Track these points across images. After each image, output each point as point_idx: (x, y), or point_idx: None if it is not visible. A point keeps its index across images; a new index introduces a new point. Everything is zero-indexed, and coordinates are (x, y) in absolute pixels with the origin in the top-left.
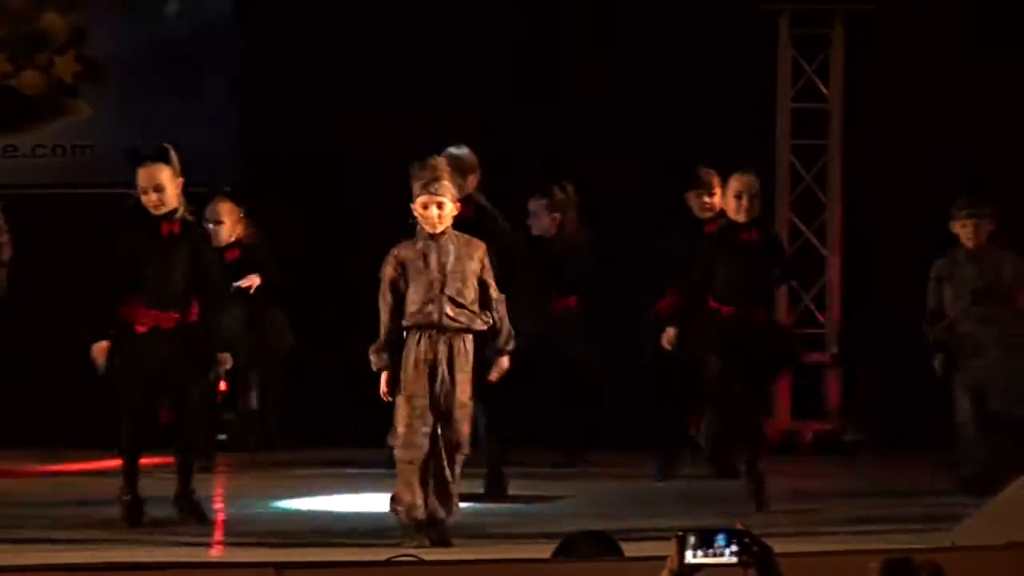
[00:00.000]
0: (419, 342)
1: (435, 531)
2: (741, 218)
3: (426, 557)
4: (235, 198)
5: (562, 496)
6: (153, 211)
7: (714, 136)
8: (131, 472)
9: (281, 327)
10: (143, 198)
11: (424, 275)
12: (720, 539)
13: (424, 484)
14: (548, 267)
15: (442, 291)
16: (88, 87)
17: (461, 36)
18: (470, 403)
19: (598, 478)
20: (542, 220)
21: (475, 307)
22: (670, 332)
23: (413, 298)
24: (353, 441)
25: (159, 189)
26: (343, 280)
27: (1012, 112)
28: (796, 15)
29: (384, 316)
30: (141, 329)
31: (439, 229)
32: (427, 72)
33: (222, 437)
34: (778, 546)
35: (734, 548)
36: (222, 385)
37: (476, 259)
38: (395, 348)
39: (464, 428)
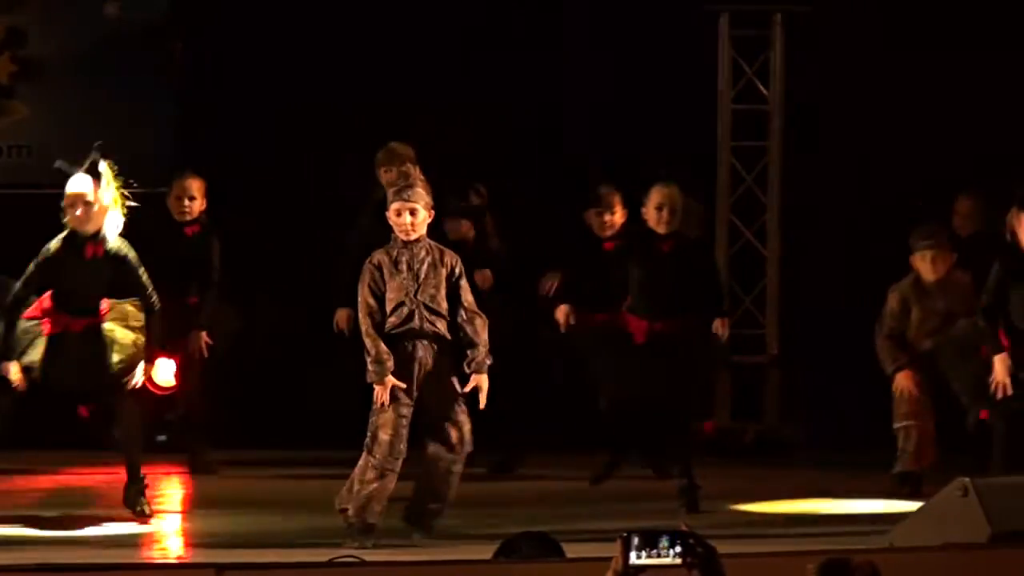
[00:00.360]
0: (402, 349)
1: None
2: (661, 230)
3: (367, 558)
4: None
5: (503, 497)
6: (79, 227)
7: (654, 137)
8: None
9: (227, 323)
10: (68, 212)
11: (397, 280)
12: (664, 540)
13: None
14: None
15: (416, 296)
16: (24, 87)
17: (400, 34)
18: (463, 400)
19: (539, 479)
20: (459, 225)
21: (447, 316)
22: (563, 308)
23: (389, 304)
24: (297, 441)
25: (87, 203)
26: (283, 277)
27: (950, 111)
28: (735, 16)
29: (370, 328)
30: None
31: (412, 236)
32: (367, 71)
33: (162, 438)
34: (720, 547)
35: (678, 549)
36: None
37: (449, 269)
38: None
39: (466, 424)
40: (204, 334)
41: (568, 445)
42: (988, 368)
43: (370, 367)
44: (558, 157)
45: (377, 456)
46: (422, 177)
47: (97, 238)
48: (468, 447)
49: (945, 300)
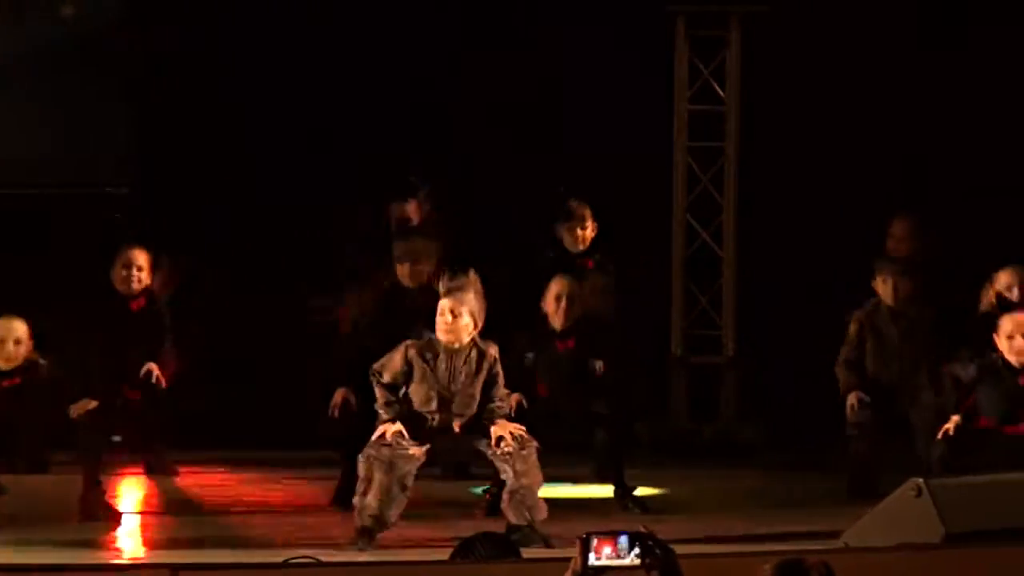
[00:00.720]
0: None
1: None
2: (558, 324)
3: (323, 559)
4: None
5: (460, 498)
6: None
7: (610, 138)
8: None
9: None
10: None
11: (429, 386)
12: (623, 541)
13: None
14: None
15: (446, 409)
16: None
17: (353, 37)
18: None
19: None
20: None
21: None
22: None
23: (414, 402)
24: (256, 443)
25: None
26: (248, 279)
27: (905, 111)
28: (692, 17)
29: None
30: None
31: (449, 339)
32: (320, 69)
33: (117, 439)
34: (678, 548)
35: (637, 550)
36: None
37: (488, 370)
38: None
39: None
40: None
41: None
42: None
43: (380, 411)
44: (513, 156)
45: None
46: (479, 287)
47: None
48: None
49: (901, 328)
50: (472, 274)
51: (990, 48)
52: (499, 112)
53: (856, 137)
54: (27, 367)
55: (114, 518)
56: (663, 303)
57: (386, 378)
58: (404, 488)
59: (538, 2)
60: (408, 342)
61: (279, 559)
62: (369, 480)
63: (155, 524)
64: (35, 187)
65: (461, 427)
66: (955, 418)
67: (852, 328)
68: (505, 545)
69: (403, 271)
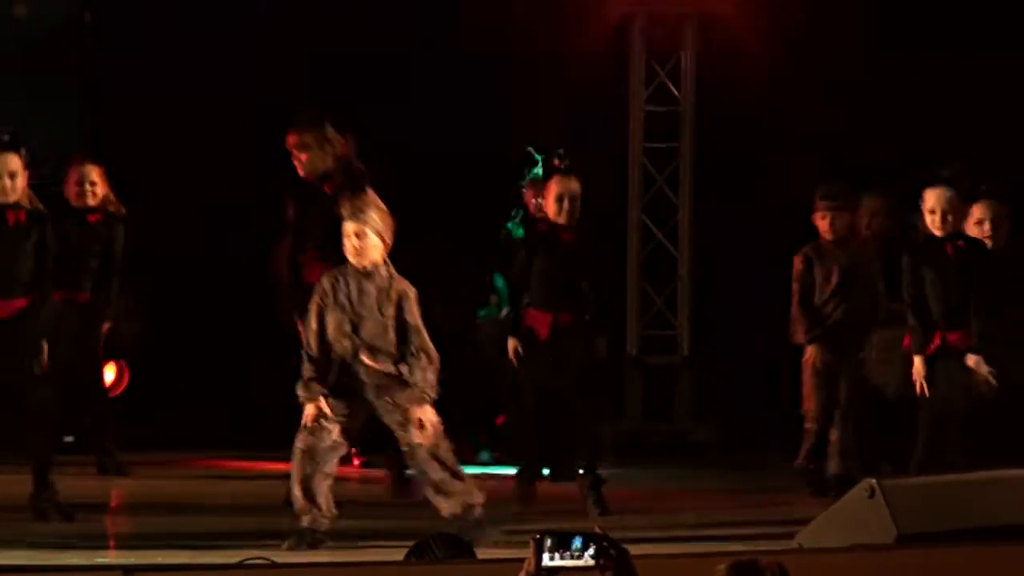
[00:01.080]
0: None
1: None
2: (562, 221)
3: (278, 560)
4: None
5: (415, 498)
6: (1, 198)
7: (568, 140)
8: None
9: (130, 323)
10: None
11: (341, 314)
12: (577, 542)
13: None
14: None
15: (357, 335)
16: None
17: (306, 34)
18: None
19: None
20: None
21: (394, 352)
22: (510, 344)
23: (331, 336)
24: (211, 443)
25: (12, 176)
26: (198, 276)
27: (858, 111)
28: (648, 18)
29: (310, 349)
30: None
31: (360, 262)
32: (275, 69)
33: (69, 439)
34: (632, 548)
35: (591, 551)
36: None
37: (395, 306)
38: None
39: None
40: (107, 326)
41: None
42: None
43: (299, 390)
44: (465, 154)
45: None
46: (381, 205)
47: (19, 207)
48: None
49: (843, 261)
50: (370, 192)
51: (943, 49)
52: (451, 112)
53: (809, 137)
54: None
55: (66, 518)
56: (618, 303)
57: (313, 346)
58: (328, 476)
59: (502, 4)
60: (321, 278)
61: (234, 560)
62: (298, 475)
63: (108, 524)
64: None
65: (376, 367)
66: (918, 366)
67: (797, 263)
68: (460, 545)
69: None
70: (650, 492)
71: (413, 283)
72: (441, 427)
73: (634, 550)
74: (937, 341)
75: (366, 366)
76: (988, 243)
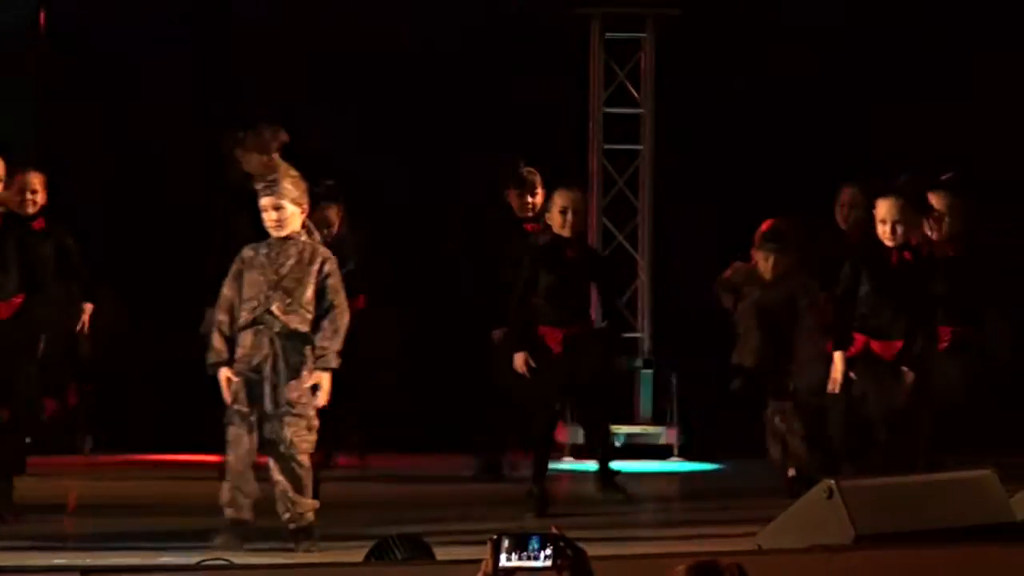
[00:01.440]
0: (252, 343)
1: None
2: (566, 233)
3: (236, 561)
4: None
5: (373, 498)
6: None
7: (526, 140)
8: None
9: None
10: None
11: (255, 275)
12: (534, 542)
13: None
14: None
15: (272, 292)
16: None
17: (260, 33)
18: (305, 403)
19: (409, 481)
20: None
21: (309, 312)
22: (519, 358)
23: (245, 300)
24: (169, 442)
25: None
26: (156, 279)
27: (823, 110)
28: (607, 19)
29: (220, 321)
30: None
31: (282, 233)
32: (229, 71)
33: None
34: (590, 549)
35: (548, 552)
36: None
37: (319, 267)
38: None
39: (290, 427)
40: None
41: (433, 446)
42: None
43: (207, 358)
44: (428, 157)
45: (228, 454)
46: (292, 172)
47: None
48: (297, 452)
49: (769, 295)
50: (282, 164)
51: (898, 53)
52: (415, 110)
53: (772, 136)
54: None
55: (21, 519)
56: None
57: (223, 317)
58: (252, 465)
59: (456, 4)
60: (243, 249)
61: (192, 560)
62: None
63: (65, 525)
64: None
65: (284, 320)
66: (838, 362)
67: (729, 271)
68: (419, 546)
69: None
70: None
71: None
72: (315, 427)
73: (592, 550)
74: (860, 346)
75: (275, 319)
76: (934, 235)
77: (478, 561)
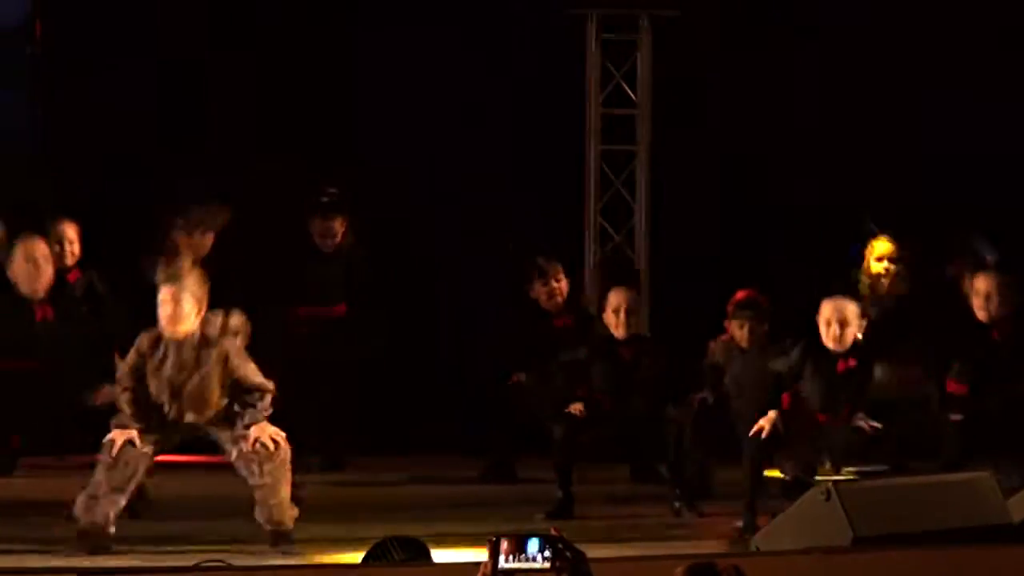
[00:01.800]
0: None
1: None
2: (620, 334)
3: (235, 563)
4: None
5: (370, 501)
6: None
7: (523, 142)
8: None
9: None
10: None
11: (159, 376)
12: (533, 544)
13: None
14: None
15: (177, 395)
16: None
17: (248, 44)
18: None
19: (409, 483)
20: (333, 225)
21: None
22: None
23: (152, 392)
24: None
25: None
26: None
27: (820, 112)
28: (603, 20)
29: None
30: None
31: (180, 330)
32: (225, 82)
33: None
34: (589, 551)
35: (547, 553)
36: None
37: (219, 360)
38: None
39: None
40: None
41: (432, 449)
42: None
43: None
44: (430, 165)
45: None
46: (196, 270)
47: None
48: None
49: (746, 365)
50: (187, 261)
51: (900, 52)
52: (408, 117)
53: (766, 138)
54: None
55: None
56: None
57: (126, 401)
58: (122, 490)
59: (457, 8)
60: (143, 334)
61: (190, 563)
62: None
63: (61, 527)
64: None
65: (209, 423)
66: (772, 414)
67: (710, 346)
68: (418, 548)
69: None
70: (609, 496)
71: None
72: (282, 437)
73: (591, 553)
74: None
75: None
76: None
77: (477, 563)
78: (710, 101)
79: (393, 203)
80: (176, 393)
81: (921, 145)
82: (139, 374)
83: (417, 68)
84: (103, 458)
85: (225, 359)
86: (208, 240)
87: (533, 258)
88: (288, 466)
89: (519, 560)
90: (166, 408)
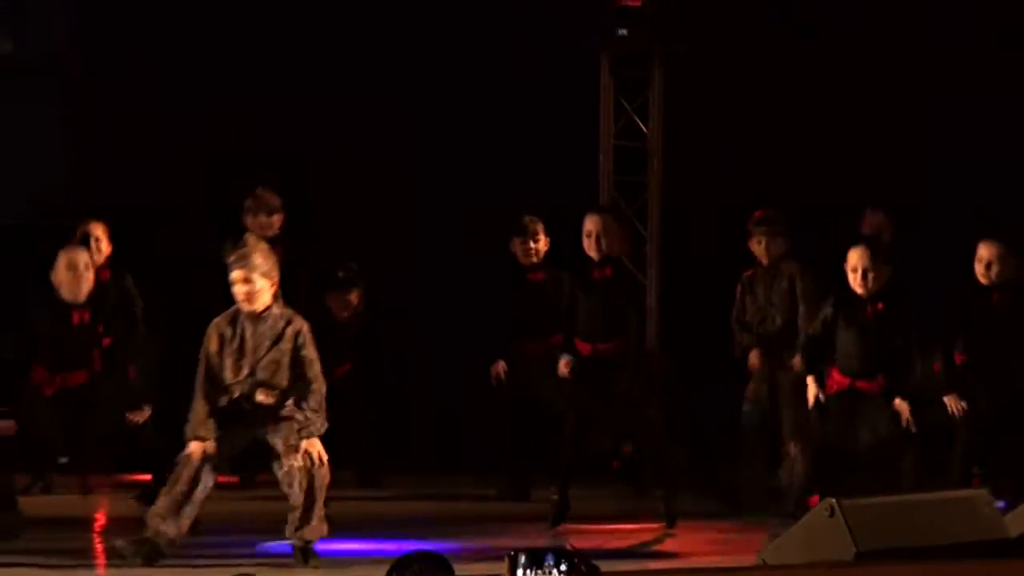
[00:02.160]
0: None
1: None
2: (594, 256)
3: None
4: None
5: (395, 517)
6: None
7: (539, 173)
8: None
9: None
10: None
11: (233, 353)
12: (549, 558)
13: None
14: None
15: (252, 373)
16: None
17: (288, 79)
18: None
19: (430, 499)
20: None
21: (286, 387)
22: (563, 361)
23: (226, 376)
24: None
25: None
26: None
27: (826, 142)
28: (616, 56)
29: (200, 387)
30: None
31: (253, 307)
32: (267, 105)
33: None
34: (603, 566)
35: (563, 567)
36: None
37: (293, 338)
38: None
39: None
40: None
41: (457, 466)
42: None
43: (189, 432)
44: (447, 191)
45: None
46: (263, 246)
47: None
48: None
49: (771, 287)
50: (251, 238)
51: (905, 92)
52: (431, 142)
53: (773, 168)
54: None
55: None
56: None
57: (202, 390)
58: (193, 503)
59: (473, 43)
60: (216, 320)
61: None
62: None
63: (95, 540)
64: None
65: (270, 422)
66: (812, 389)
67: (738, 290)
68: (441, 564)
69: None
70: (621, 511)
71: None
72: (326, 459)
73: (605, 567)
74: (846, 386)
75: (258, 404)
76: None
77: None
78: (719, 133)
79: (412, 234)
80: (251, 370)
81: (921, 145)
82: (211, 374)
83: (430, 101)
84: (179, 470)
85: (297, 335)
86: (275, 221)
87: (520, 214)
88: (326, 485)
89: (536, 574)
90: (239, 388)
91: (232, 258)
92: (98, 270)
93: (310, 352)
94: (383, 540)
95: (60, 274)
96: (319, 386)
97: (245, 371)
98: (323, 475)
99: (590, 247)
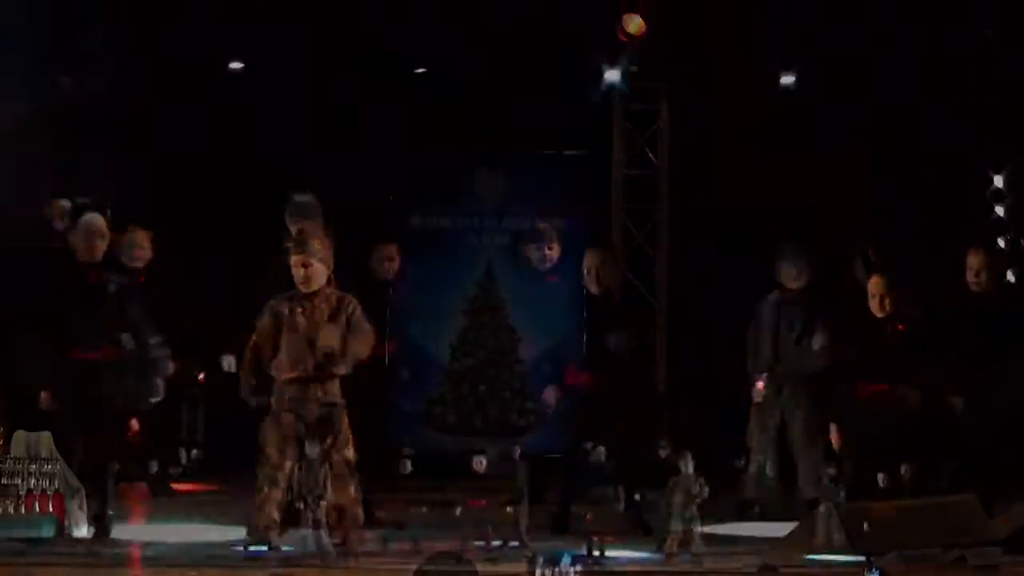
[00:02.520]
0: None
1: None
2: (594, 290)
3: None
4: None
5: (422, 519)
6: None
7: (553, 200)
8: None
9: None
10: None
11: (295, 332)
12: (566, 559)
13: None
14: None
15: (311, 344)
16: None
17: (305, 82)
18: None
19: (456, 503)
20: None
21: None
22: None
23: (288, 353)
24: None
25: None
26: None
27: (811, 171)
28: (628, 92)
29: (248, 363)
30: None
31: (310, 288)
32: (266, 121)
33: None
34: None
35: (578, 567)
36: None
37: (347, 314)
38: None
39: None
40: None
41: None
42: (830, 454)
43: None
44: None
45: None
46: (322, 233)
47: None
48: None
49: (799, 315)
50: (307, 224)
51: (902, 115)
52: (449, 170)
53: (778, 195)
54: None
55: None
56: None
57: (250, 357)
58: (285, 490)
59: (494, 79)
60: (271, 301)
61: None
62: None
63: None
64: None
65: (320, 418)
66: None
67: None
68: (464, 563)
69: None
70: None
71: None
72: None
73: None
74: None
75: (310, 400)
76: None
77: None
78: (723, 163)
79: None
80: (312, 342)
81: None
82: (260, 350)
83: (454, 128)
84: (265, 461)
85: (352, 311)
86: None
87: (534, 223)
88: (358, 486)
89: (553, 574)
90: (302, 363)
91: (291, 244)
92: (138, 274)
93: (362, 326)
94: (411, 541)
95: (78, 236)
96: (363, 333)
97: (305, 347)
98: (355, 476)
99: (590, 281)
